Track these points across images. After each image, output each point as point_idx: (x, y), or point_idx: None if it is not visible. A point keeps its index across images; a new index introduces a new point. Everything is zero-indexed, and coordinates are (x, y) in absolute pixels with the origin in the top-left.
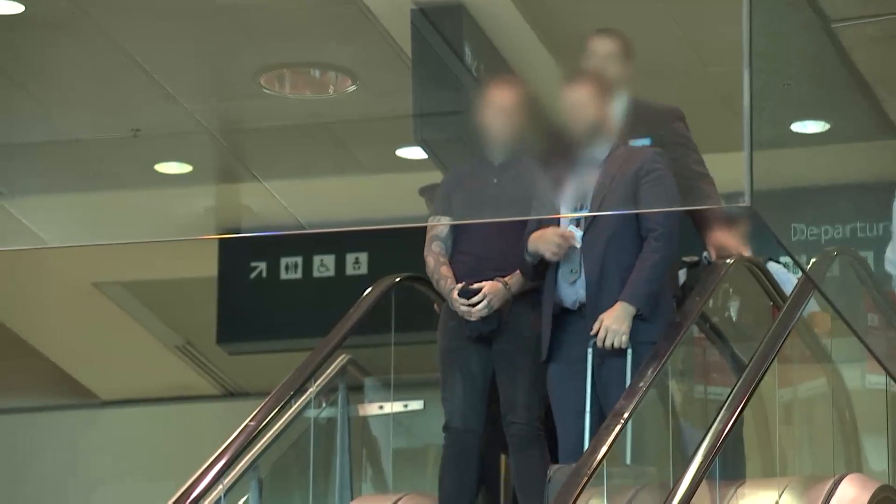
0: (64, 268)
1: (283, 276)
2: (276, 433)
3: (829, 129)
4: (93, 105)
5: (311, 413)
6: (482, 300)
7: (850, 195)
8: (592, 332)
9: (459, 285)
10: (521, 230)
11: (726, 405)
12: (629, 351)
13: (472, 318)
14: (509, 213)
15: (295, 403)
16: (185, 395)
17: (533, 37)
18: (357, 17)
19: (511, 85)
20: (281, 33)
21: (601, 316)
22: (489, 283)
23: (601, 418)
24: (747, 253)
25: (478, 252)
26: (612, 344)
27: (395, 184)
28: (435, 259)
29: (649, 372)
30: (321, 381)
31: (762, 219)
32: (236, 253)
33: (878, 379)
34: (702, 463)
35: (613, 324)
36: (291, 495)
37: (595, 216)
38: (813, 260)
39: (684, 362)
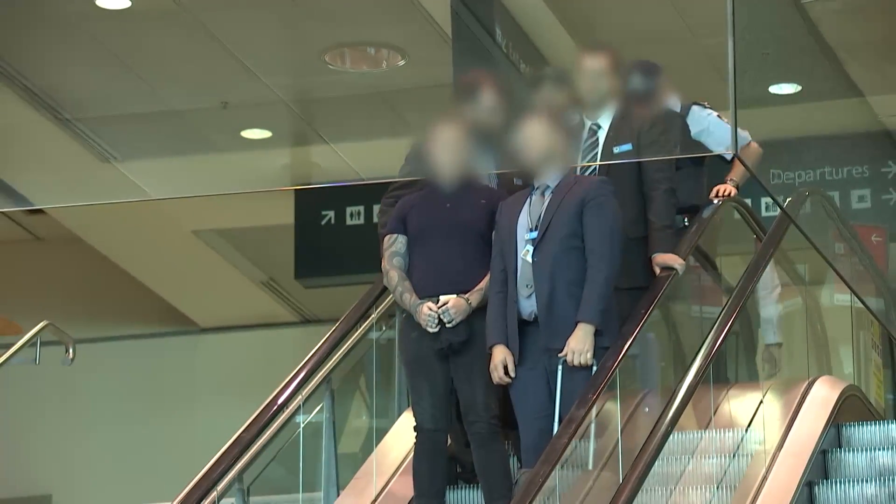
0: (167, 219)
1: (349, 221)
2: (345, 352)
3: (801, 91)
4: (188, 82)
5: (374, 335)
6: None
7: (819, 145)
8: (561, 355)
9: (429, 301)
10: (475, 248)
11: (718, 322)
12: (593, 370)
13: (433, 330)
14: (461, 235)
15: (360, 327)
16: (269, 323)
17: (551, 16)
18: (405, 2)
19: (455, 119)
20: (342, 18)
21: (568, 340)
22: (454, 299)
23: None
24: (682, 264)
25: (435, 269)
26: (580, 363)
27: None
28: (398, 273)
29: (599, 382)
30: (381, 308)
31: (746, 165)
32: (309, 203)
33: (844, 297)
34: (698, 370)
35: (578, 345)
36: (358, 403)
37: (543, 238)
38: (789, 199)
39: (685, 287)
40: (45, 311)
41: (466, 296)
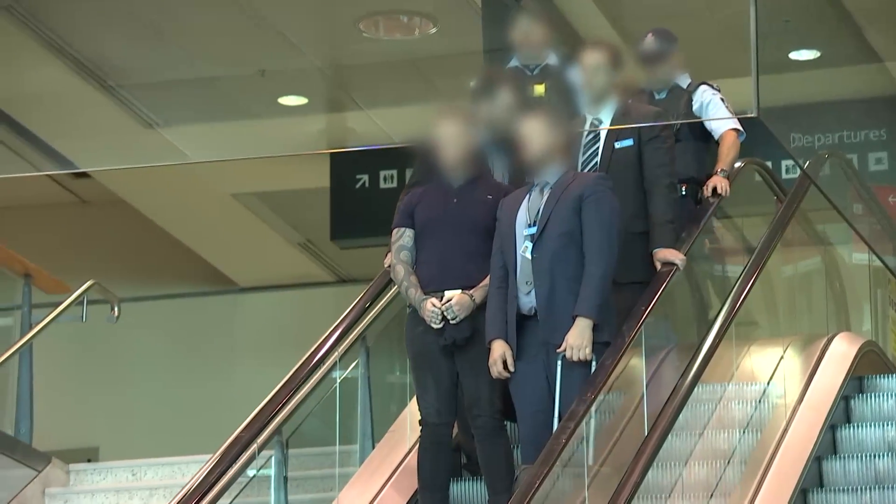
0: (208, 182)
1: (382, 185)
2: (379, 310)
3: (820, 56)
4: (227, 50)
5: None
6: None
7: (838, 109)
8: (559, 350)
9: (432, 298)
10: (481, 243)
11: (740, 280)
12: (593, 364)
13: (437, 326)
14: (467, 230)
15: (393, 286)
16: (306, 282)
17: None
18: None
19: (458, 112)
20: None
21: (566, 336)
22: (457, 295)
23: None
24: (683, 259)
25: (441, 264)
26: (578, 358)
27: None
28: (404, 267)
29: (604, 371)
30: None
31: (768, 128)
32: (344, 167)
33: (862, 256)
34: (721, 326)
35: (576, 340)
36: (392, 360)
37: (542, 234)
38: (809, 161)
39: (706, 246)
40: (91, 271)
41: (470, 292)
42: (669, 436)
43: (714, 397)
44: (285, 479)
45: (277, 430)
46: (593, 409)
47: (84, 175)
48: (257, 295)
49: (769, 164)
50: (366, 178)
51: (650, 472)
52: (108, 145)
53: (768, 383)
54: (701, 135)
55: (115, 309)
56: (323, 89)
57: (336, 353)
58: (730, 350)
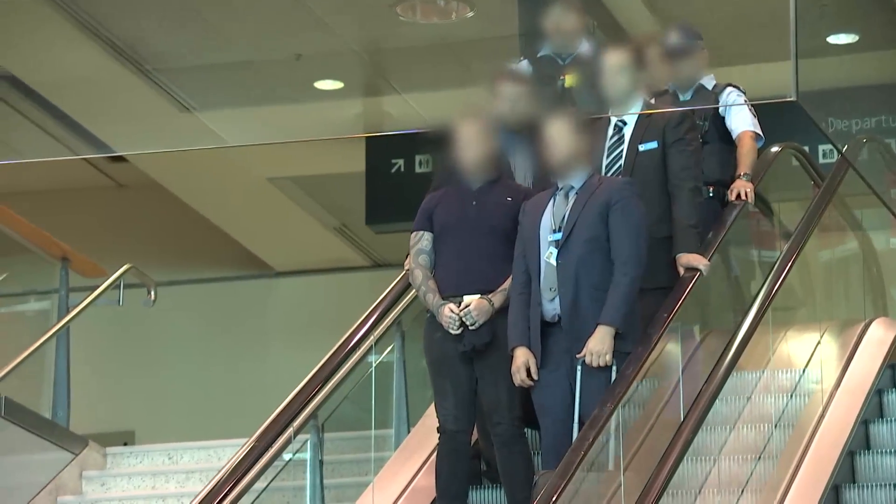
0: (244, 167)
1: (418, 169)
2: (415, 295)
3: (858, 40)
4: (263, 34)
5: None
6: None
7: (876, 93)
8: (579, 356)
9: (450, 303)
10: (500, 247)
11: (777, 265)
12: (613, 371)
13: (456, 332)
14: (486, 233)
15: None
16: (341, 267)
17: None
18: None
19: (476, 116)
20: None
21: (587, 342)
22: (476, 300)
23: (581, 426)
24: (707, 264)
25: (459, 267)
26: (598, 364)
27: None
28: (423, 272)
29: (624, 381)
30: None
31: (806, 112)
32: (380, 152)
33: None
34: (758, 312)
35: (596, 346)
36: None
37: (567, 240)
38: (847, 146)
39: (742, 232)
40: (128, 255)
41: (489, 296)
42: (703, 427)
43: (749, 385)
44: (321, 462)
45: (313, 414)
46: (616, 414)
47: (121, 159)
48: (292, 279)
49: (806, 148)
50: (401, 162)
51: (682, 466)
52: (145, 129)
53: (805, 369)
54: (727, 137)
55: (152, 293)
56: (359, 73)
57: (371, 338)
58: (766, 336)
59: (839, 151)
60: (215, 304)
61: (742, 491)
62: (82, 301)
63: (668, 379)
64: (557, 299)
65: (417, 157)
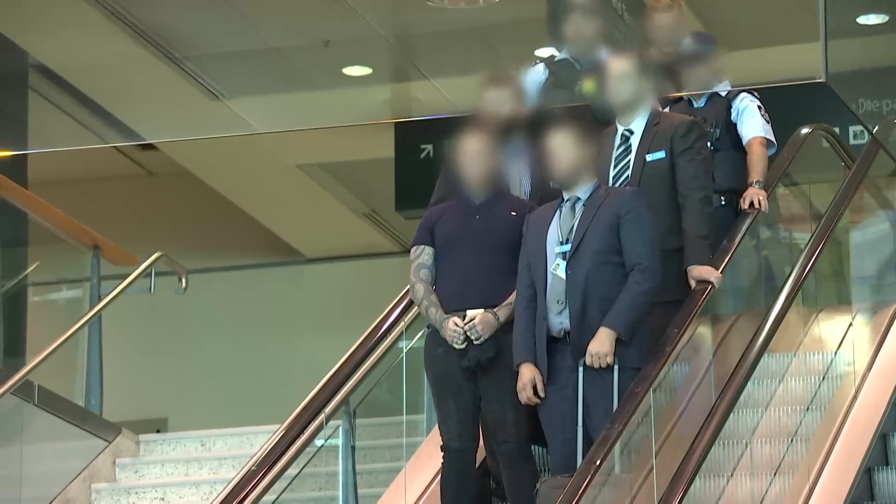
0: (273, 154)
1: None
2: None
3: (888, 20)
4: (292, 20)
5: None
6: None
7: None
8: (581, 359)
9: (454, 317)
10: (504, 261)
11: (807, 247)
12: (615, 375)
13: (460, 347)
14: (490, 247)
15: None
16: (371, 253)
17: None
18: None
19: (481, 130)
20: None
21: (588, 345)
22: (481, 314)
23: (585, 437)
24: (719, 277)
25: (463, 281)
26: (600, 365)
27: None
28: (424, 287)
29: (636, 396)
30: None
31: (836, 93)
32: (408, 137)
33: None
34: (789, 294)
35: (596, 347)
36: None
37: (576, 252)
38: (877, 126)
39: (772, 214)
40: (159, 243)
41: (494, 310)
42: (735, 410)
43: (781, 368)
44: (353, 448)
45: (345, 400)
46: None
47: (151, 147)
48: (323, 266)
49: (836, 130)
50: (430, 147)
51: (713, 450)
52: (175, 117)
53: (836, 351)
54: (740, 144)
55: (183, 280)
56: (387, 59)
57: (402, 324)
58: (798, 318)
59: (869, 132)
60: (246, 291)
61: (774, 474)
62: (114, 289)
63: (699, 362)
64: (565, 312)
65: (447, 143)
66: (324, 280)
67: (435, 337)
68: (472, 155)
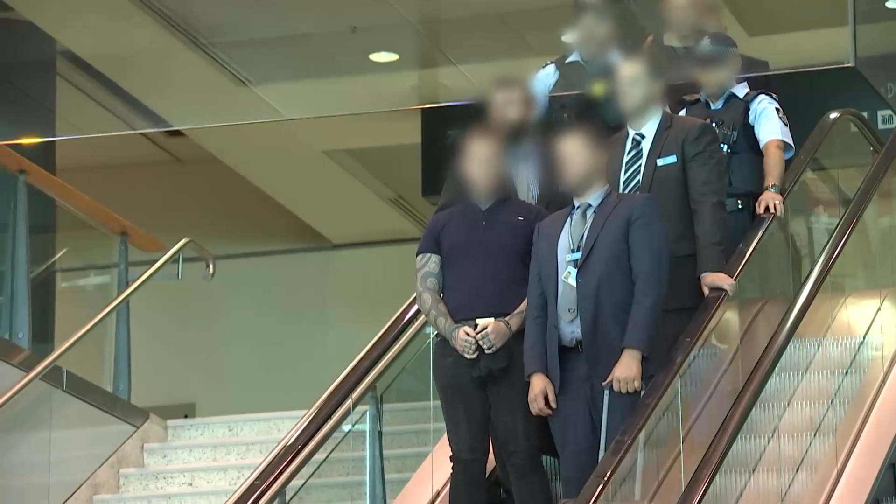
0: (300, 140)
1: None
2: None
3: None
4: (319, 7)
5: None
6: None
7: None
8: (605, 383)
9: (465, 326)
10: (513, 268)
11: (836, 232)
12: (642, 394)
13: (471, 357)
14: (498, 254)
15: None
16: (398, 238)
17: None
18: None
19: (487, 134)
20: None
21: (613, 369)
22: (493, 323)
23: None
24: (732, 284)
25: (471, 290)
26: (627, 391)
27: None
28: (432, 296)
29: (647, 405)
30: None
31: (865, 77)
32: (435, 123)
33: None
34: (817, 279)
35: (623, 372)
36: None
37: (587, 259)
38: None
39: (800, 199)
40: (186, 229)
41: (506, 319)
42: (759, 402)
43: (808, 354)
44: (380, 433)
45: (372, 386)
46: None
47: (178, 133)
48: (350, 251)
49: (864, 114)
50: (457, 133)
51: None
52: (202, 103)
53: (864, 337)
54: (757, 147)
55: (210, 266)
56: (414, 45)
57: None
58: (825, 303)
59: None
60: (273, 277)
61: (798, 466)
62: (142, 275)
63: (725, 347)
64: (576, 320)
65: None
66: (351, 266)
67: (444, 346)
68: (478, 160)
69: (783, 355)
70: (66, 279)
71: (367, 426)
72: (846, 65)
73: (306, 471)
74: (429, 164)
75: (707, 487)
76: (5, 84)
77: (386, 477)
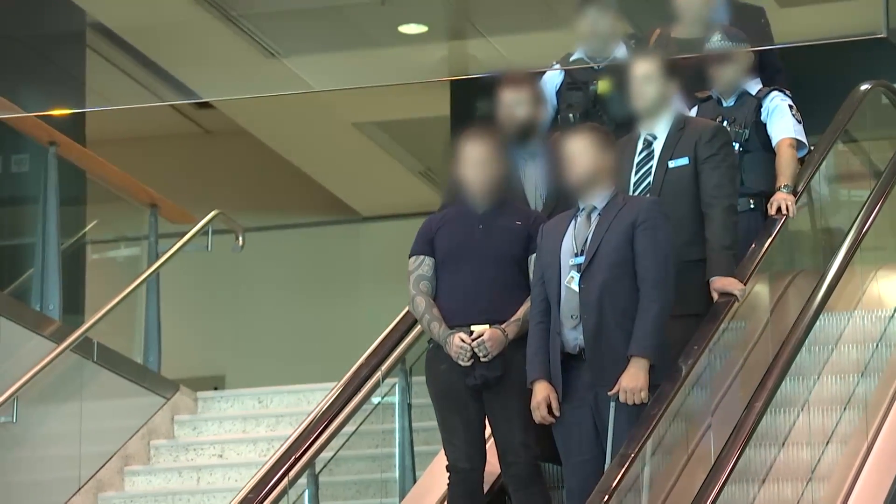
0: (329, 112)
1: None
2: None
3: None
4: None
5: None
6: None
7: None
8: (611, 393)
9: (460, 333)
10: (509, 274)
11: (866, 204)
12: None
13: (466, 364)
14: (494, 260)
15: None
16: (427, 211)
17: None
18: None
19: (486, 136)
20: None
21: (620, 378)
22: (489, 330)
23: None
24: (742, 289)
25: (465, 296)
26: (634, 402)
27: None
28: (425, 299)
29: (651, 417)
30: None
31: None
32: (464, 95)
33: None
34: (847, 252)
35: (630, 383)
36: None
37: (591, 264)
38: None
39: (830, 170)
40: (216, 202)
41: (503, 326)
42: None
43: (838, 327)
44: (409, 406)
45: (401, 358)
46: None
47: (207, 105)
48: (379, 224)
49: None
50: (486, 105)
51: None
52: (231, 75)
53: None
54: (770, 145)
55: (240, 238)
56: (443, 17)
57: None
58: (856, 276)
59: None
60: (303, 250)
61: (827, 441)
62: (172, 247)
63: (755, 321)
64: (580, 327)
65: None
66: (379, 238)
67: (437, 352)
68: (474, 162)
69: (813, 328)
70: (96, 251)
71: (396, 398)
72: (878, 36)
73: (336, 443)
74: (458, 136)
75: (737, 460)
76: (36, 56)
77: (415, 449)
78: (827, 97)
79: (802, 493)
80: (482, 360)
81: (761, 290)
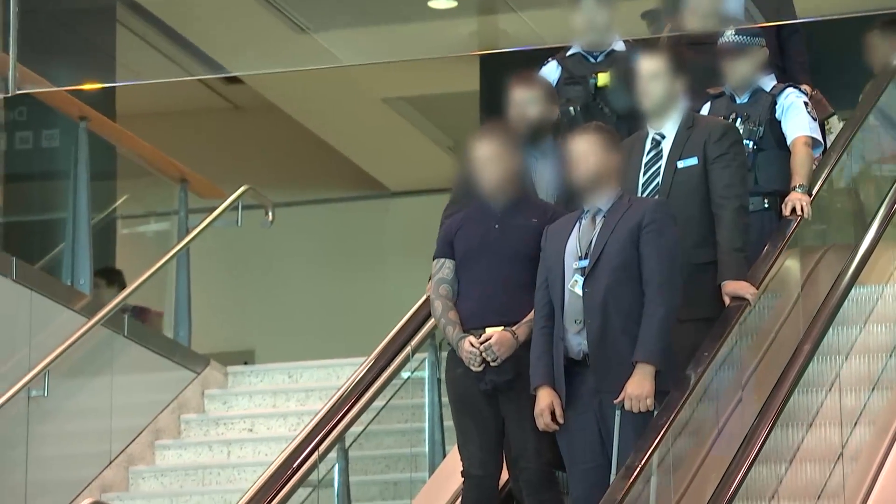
0: (359, 87)
1: None
2: None
3: None
4: None
5: None
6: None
7: None
8: (616, 401)
9: (470, 337)
10: (524, 274)
11: None
12: (655, 412)
13: (477, 369)
14: (509, 260)
15: None
16: None
17: None
18: None
19: (494, 134)
20: None
21: (626, 385)
22: (497, 333)
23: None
24: (754, 293)
25: (482, 297)
26: (639, 409)
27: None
28: (443, 303)
29: (660, 425)
30: None
31: None
32: (493, 71)
33: None
34: (879, 227)
35: (636, 390)
36: None
37: (595, 267)
38: None
39: (860, 146)
40: (245, 177)
41: (513, 329)
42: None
43: (868, 304)
44: (438, 381)
45: (431, 333)
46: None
47: (237, 80)
48: (408, 199)
49: None
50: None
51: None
52: (261, 50)
53: None
54: (785, 143)
55: (270, 213)
56: None
57: None
58: (887, 252)
59: None
60: (332, 224)
61: (855, 422)
62: (201, 222)
63: (786, 295)
64: (584, 332)
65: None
66: (409, 213)
67: (454, 357)
68: (484, 160)
69: (842, 307)
70: (126, 226)
71: (426, 373)
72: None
73: (366, 417)
74: (487, 111)
75: (765, 439)
76: (66, 30)
77: (445, 424)
78: (857, 70)
79: (830, 474)
80: (492, 364)
81: (792, 264)
